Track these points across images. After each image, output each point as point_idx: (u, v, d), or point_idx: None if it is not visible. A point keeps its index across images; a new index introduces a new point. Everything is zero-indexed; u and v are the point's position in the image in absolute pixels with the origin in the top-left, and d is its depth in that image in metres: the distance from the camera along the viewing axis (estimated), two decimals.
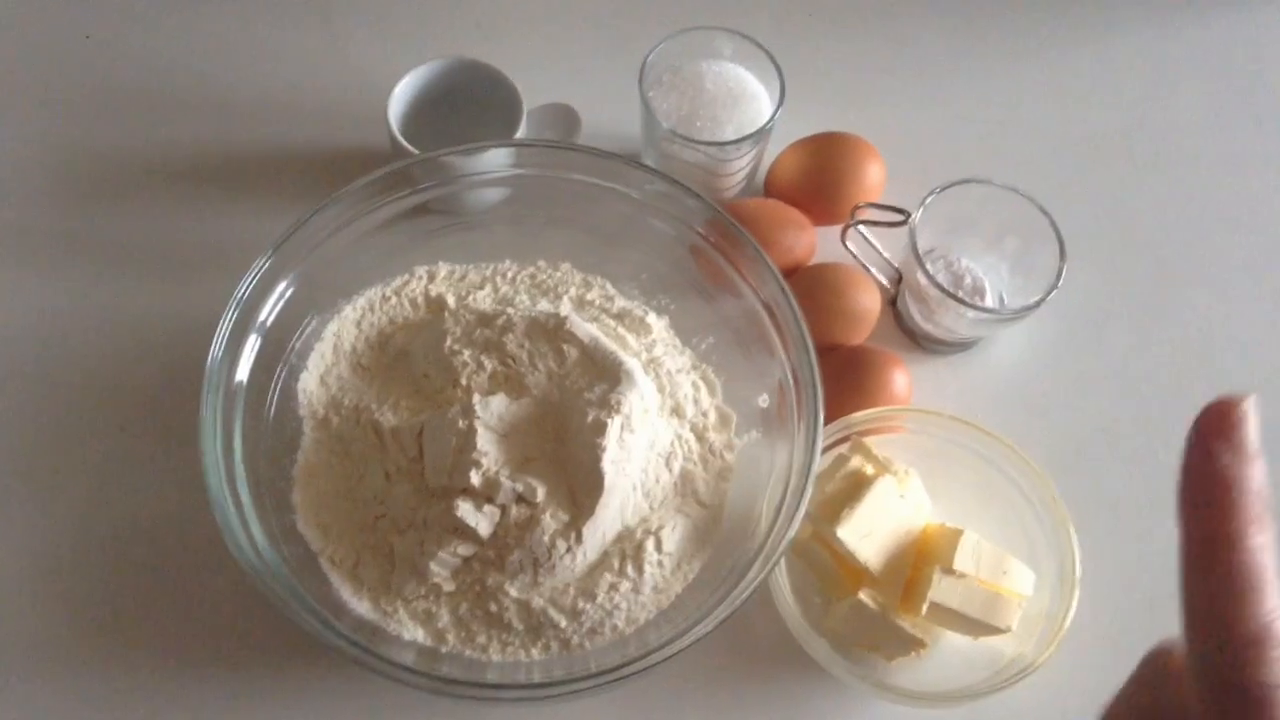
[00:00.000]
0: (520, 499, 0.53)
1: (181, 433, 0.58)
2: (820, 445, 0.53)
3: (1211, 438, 0.28)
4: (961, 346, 0.68)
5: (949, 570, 0.55)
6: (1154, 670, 0.31)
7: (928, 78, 0.78)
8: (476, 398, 0.55)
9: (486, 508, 0.53)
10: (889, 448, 0.60)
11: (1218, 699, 0.28)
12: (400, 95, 0.66)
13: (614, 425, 0.54)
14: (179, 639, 0.58)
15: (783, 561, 0.58)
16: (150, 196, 0.70)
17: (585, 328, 0.58)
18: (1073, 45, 0.80)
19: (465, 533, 0.53)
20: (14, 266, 0.67)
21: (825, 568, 0.58)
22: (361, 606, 0.54)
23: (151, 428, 0.62)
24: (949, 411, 0.61)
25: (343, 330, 0.61)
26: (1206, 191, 0.75)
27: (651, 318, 0.62)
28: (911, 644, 0.56)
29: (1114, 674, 0.32)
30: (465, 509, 0.52)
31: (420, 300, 0.63)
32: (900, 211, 0.64)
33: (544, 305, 0.61)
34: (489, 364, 0.58)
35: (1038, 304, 0.62)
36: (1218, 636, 0.27)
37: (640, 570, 0.54)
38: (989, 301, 0.66)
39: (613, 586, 0.54)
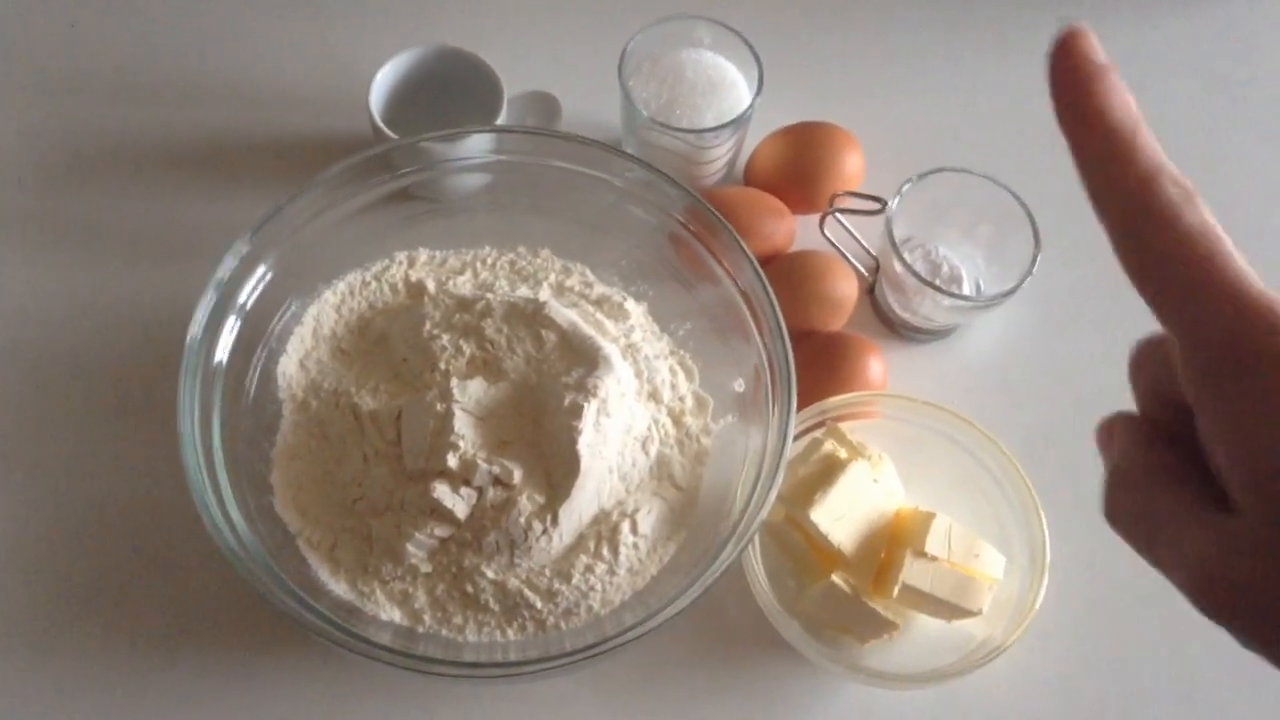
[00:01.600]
0: (497, 481, 0.54)
1: (160, 415, 0.58)
2: (793, 430, 0.53)
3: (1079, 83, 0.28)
4: (938, 334, 0.69)
5: (921, 553, 0.55)
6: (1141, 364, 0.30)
7: (907, 68, 0.79)
8: (454, 381, 0.56)
9: (463, 490, 0.53)
10: (863, 433, 0.61)
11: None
12: (382, 82, 0.66)
13: (590, 409, 0.54)
14: (157, 620, 0.58)
15: (757, 545, 0.58)
16: (132, 182, 0.70)
17: (564, 313, 0.59)
18: (1049, 36, 0.80)
19: (442, 515, 0.53)
20: None
21: (799, 551, 0.59)
22: (339, 588, 0.54)
23: (131, 410, 0.63)
24: (923, 397, 0.62)
25: (322, 314, 0.61)
26: (1202, 189, 0.75)
27: (630, 304, 0.63)
28: (884, 626, 0.56)
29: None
30: (442, 491, 0.53)
31: (400, 285, 0.63)
32: (878, 200, 0.65)
33: (523, 291, 0.62)
34: (467, 348, 0.58)
35: (1012, 291, 0.62)
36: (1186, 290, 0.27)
37: (616, 552, 0.55)
38: (965, 289, 0.67)
39: (588, 568, 0.55)
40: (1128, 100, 0.28)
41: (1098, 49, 0.28)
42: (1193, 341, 0.27)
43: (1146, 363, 0.30)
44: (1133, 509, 0.29)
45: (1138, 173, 0.28)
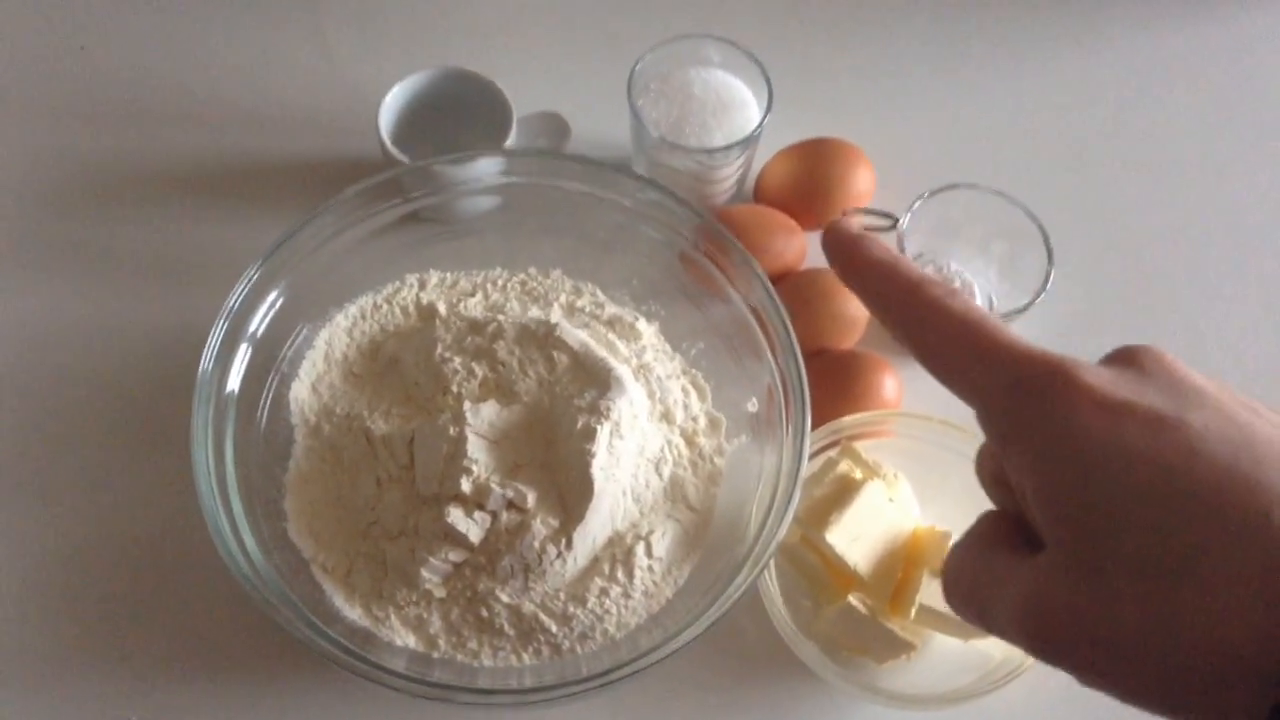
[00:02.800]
0: (511, 505, 0.53)
1: (174, 441, 0.58)
2: (808, 449, 0.53)
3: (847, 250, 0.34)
4: None
5: (938, 573, 0.55)
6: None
7: (916, 83, 0.78)
8: (467, 405, 0.56)
9: (477, 514, 0.53)
10: (878, 452, 0.60)
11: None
12: (391, 104, 0.66)
13: (603, 431, 0.54)
14: (171, 647, 0.58)
15: (772, 566, 0.58)
16: (143, 207, 0.70)
17: (575, 334, 0.59)
18: (1060, 50, 0.80)
19: (456, 539, 0.53)
20: (7, 275, 0.68)
21: (815, 572, 0.59)
22: (353, 613, 0.54)
23: (144, 436, 0.63)
24: (938, 416, 0.61)
25: (334, 338, 0.61)
26: (1194, 195, 0.75)
27: (641, 324, 0.63)
28: (901, 647, 0.56)
29: None
30: (456, 515, 0.53)
31: (411, 308, 0.63)
32: (889, 216, 0.65)
33: (534, 312, 0.62)
34: (480, 371, 0.58)
35: (1026, 308, 0.62)
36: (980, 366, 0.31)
37: (630, 575, 0.55)
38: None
39: (603, 591, 0.54)
40: (885, 246, 0.34)
41: (854, 225, 0.35)
42: (985, 405, 0.31)
43: (984, 458, 0.34)
44: (965, 579, 0.32)
45: (904, 284, 0.33)
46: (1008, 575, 0.30)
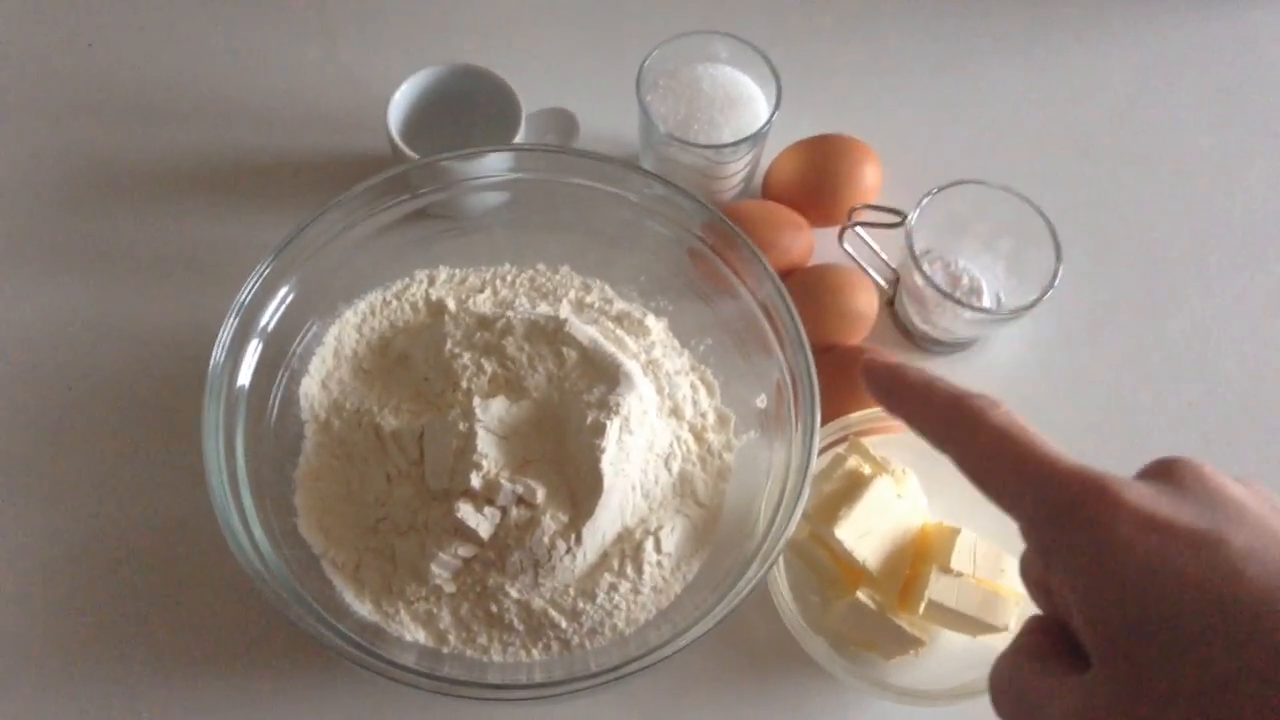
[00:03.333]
0: (520, 500, 0.53)
1: (185, 437, 0.58)
2: (817, 445, 0.53)
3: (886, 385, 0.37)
4: (958, 346, 0.68)
5: (946, 569, 0.55)
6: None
7: (924, 80, 0.78)
8: (477, 400, 0.56)
9: (487, 509, 0.53)
10: (886, 448, 0.60)
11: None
12: (400, 101, 0.67)
13: (613, 427, 0.54)
14: (182, 641, 0.58)
15: (781, 561, 0.58)
16: (151, 204, 0.71)
17: (584, 330, 0.59)
18: (1066, 47, 0.80)
19: (466, 534, 0.53)
20: (17, 273, 0.68)
21: (823, 567, 0.59)
22: (363, 609, 0.54)
23: (155, 432, 0.63)
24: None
25: (344, 334, 0.61)
26: (1201, 191, 0.75)
27: (650, 320, 0.63)
28: (909, 642, 0.56)
29: None
30: (466, 511, 0.53)
31: (421, 304, 0.63)
32: (897, 213, 0.65)
33: (543, 308, 0.62)
34: (489, 367, 0.58)
35: (1034, 304, 0.62)
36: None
37: (640, 570, 0.55)
38: (985, 302, 0.67)
39: (612, 587, 0.54)
40: (920, 370, 0.36)
41: (888, 357, 0.39)
42: (1029, 519, 0.31)
43: (1028, 567, 0.35)
44: (1012, 689, 0.32)
45: (943, 401, 0.34)
46: (1054, 692, 0.30)
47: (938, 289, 0.62)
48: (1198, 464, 0.31)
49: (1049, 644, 0.32)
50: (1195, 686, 0.27)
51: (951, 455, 0.34)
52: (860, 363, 0.37)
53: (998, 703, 0.33)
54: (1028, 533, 0.32)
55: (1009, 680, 0.33)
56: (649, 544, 0.55)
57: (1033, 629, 0.33)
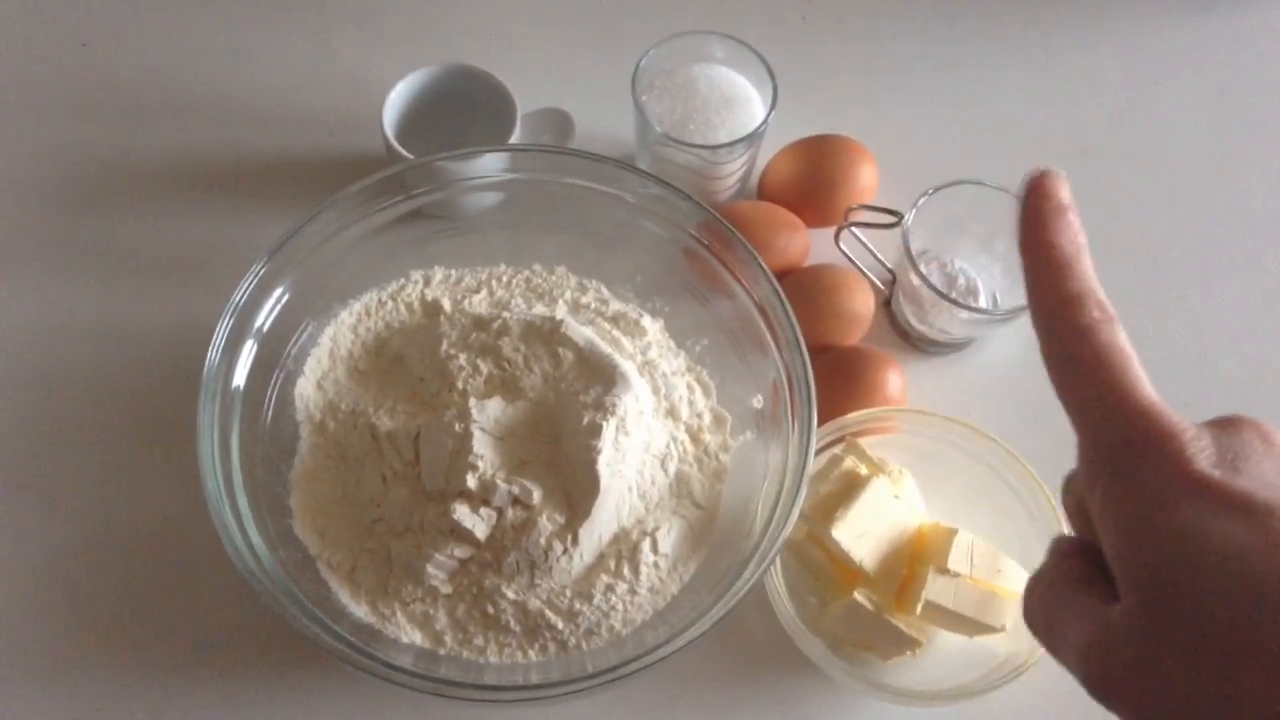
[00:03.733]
0: (516, 501, 0.53)
1: (180, 438, 0.58)
2: (814, 446, 0.53)
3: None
4: (955, 347, 0.68)
5: (943, 570, 0.55)
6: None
7: (920, 80, 0.78)
8: (472, 401, 0.56)
9: (483, 510, 0.53)
10: (883, 448, 0.60)
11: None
12: (395, 101, 0.66)
13: (609, 427, 0.54)
14: (178, 643, 0.58)
15: (778, 562, 0.58)
16: (146, 204, 0.70)
17: (580, 331, 0.59)
18: (1064, 47, 0.80)
19: (462, 535, 0.53)
20: (11, 273, 0.68)
21: (820, 568, 0.59)
22: (359, 610, 0.54)
23: (150, 433, 0.63)
24: (942, 412, 0.61)
25: (339, 335, 0.61)
26: (1197, 192, 0.75)
27: (646, 320, 0.63)
28: (906, 643, 0.56)
29: None
30: (462, 512, 0.53)
31: (416, 305, 0.63)
32: (893, 213, 0.65)
33: (539, 309, 0.62)
34: (485, 367, 0.58)
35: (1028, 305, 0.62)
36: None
37: (636, 571, 0.55)
38: (982, 302, 0.67)
39: (609, 588, 0.54)
40: (1076, 235, 0.33)
41: (1063, 190, 0.34)
42: (1091, 443, 0.31)
43: (1073, 485, 0.34)
44: (1041, 609, 0.33)
45: (1068, 294, 0.32)
46: (1078, 618, 0.31)
47: (934, 289, 0.62)
48: (1267, 427, 0.31)
49: (1082, 568, 0.32)
50: (1215, 646, 0.27)
51: (1044, 345, 0.33)
52: (1031, 179, 0.34)
53: (1031, 621, 0.34)
54: (1085, 454, 0.32)
55: (1040, 599, 0.33)
56: (646, 545, 0.55)
57: (1068, 551, 0.33)
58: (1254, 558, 0.27)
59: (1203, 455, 0.29)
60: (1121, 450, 0.30)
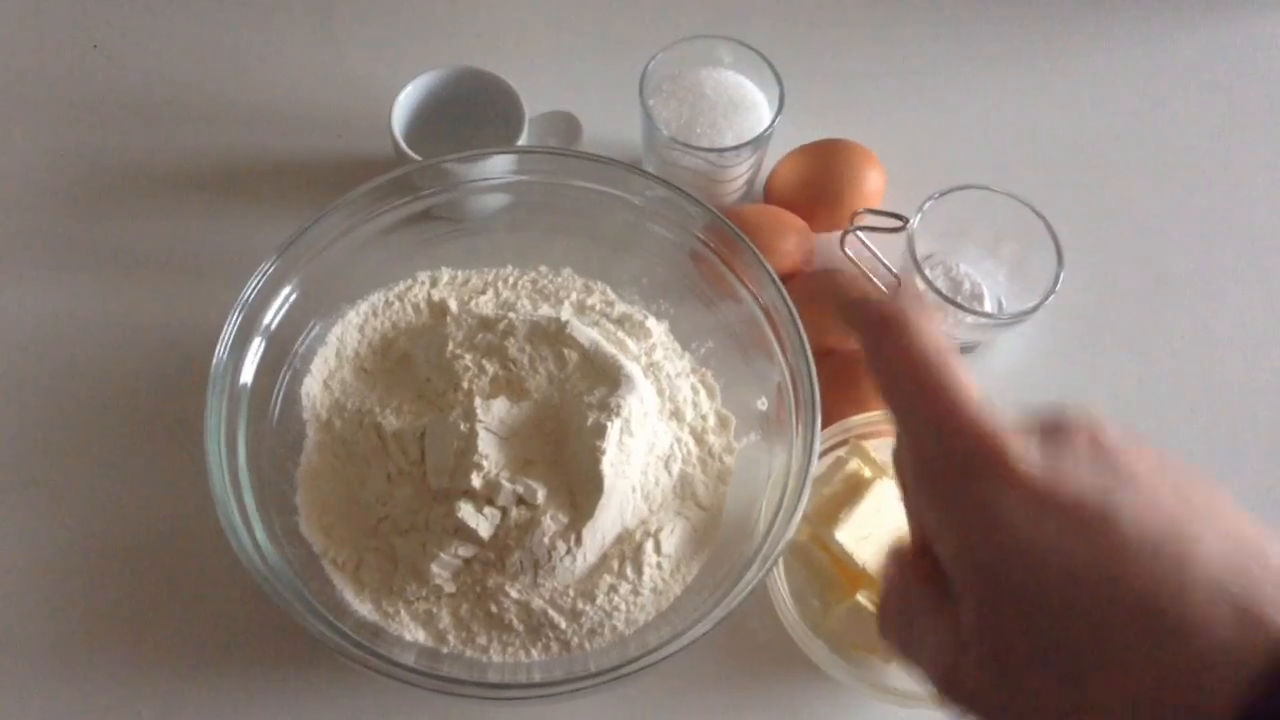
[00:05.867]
0: (521, 501, 0.54)
1: (186, 437, 0.59)
2: (818, 448, 0.53)
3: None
4: (960, 351, 0.68)
5: None
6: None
7: (927, 86, 0.79)
8: (478, 401, 0.56)
9: (487, 509, 0.53)
10: (887, 450, 0.60)
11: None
12: (404, 103, 0.67)
13: (614, 428, 0.54)
14: (183, 640, 0.58)
15: (781, 564, 0.58)
16: (157, 203, 0.71)
17: (586, 332, 0.59)
18: (1070, 53, 0.81)
19: (466, 534, 0.53)
20: (23, 272, 0.68)
21: (823, 570, 0.59)
22: (363, 608, 0.54)
23: (156, 432, 0.63)
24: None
25: (346, 334, 0.62)
26: (1203, 197, 0.75)
27: (651, 322, 0.63)
28: None
29: None
30: (466, 511, 0.53)
31: (423, 305, 0.63)
32: (899, 218, 0.65)
33: (545, 310, 0.62)
34: (490, 368, 0.58)
35: (1035, 309, 0.62)
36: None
37: (639, 572, 0.55)
38: (987, 307, 0.67)
39: (612, 588, 0.54)
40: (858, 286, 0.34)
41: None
42: (920, 457, 0.31)
43: (906, 480, 0.34)
44: (896, 619, 0.33)
45: (887, 311, 0.32)
46: (927, 620, 0.31)
47: (939, 294, 0.62)
48: (1095, 427, 0.30)
49: (929, 572, 0.32)
50: (1054, 667, 0.27)
51: (867, 359, 0.33)
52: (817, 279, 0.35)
53: (886, 632, 0.34)
54: (914, 467, 0.31)
55: (896, 609, 0.33)
56: (649, 545, 0.55)
57: (912, 559, 0.33)
58: (1086, 569, 0.27)
59: (1036, 468, 0.29)
60: (953, 465, 0.30)
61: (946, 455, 0.30)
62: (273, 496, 0.55)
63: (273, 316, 0.57)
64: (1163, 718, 0.26)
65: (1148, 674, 0.26)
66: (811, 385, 0.55)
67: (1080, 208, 0.73)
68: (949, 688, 0.30)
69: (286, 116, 0.74)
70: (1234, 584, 0.27)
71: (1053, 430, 0.30)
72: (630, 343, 0.61)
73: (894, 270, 0.67)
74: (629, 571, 0.55)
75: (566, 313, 0.62)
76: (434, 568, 0.53)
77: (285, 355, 0.59)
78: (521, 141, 0.67)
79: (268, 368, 0.57)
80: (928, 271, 0.64)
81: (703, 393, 0.62)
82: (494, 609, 0.54)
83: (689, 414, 0.60)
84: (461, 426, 0.55)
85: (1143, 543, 0.27)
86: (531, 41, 0.78)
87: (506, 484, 0.53)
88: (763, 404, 0.60)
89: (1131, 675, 0.26)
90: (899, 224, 0.65)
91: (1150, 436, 0.31)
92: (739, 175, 0.69)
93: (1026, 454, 0.29)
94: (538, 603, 0.54)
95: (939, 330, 0.32)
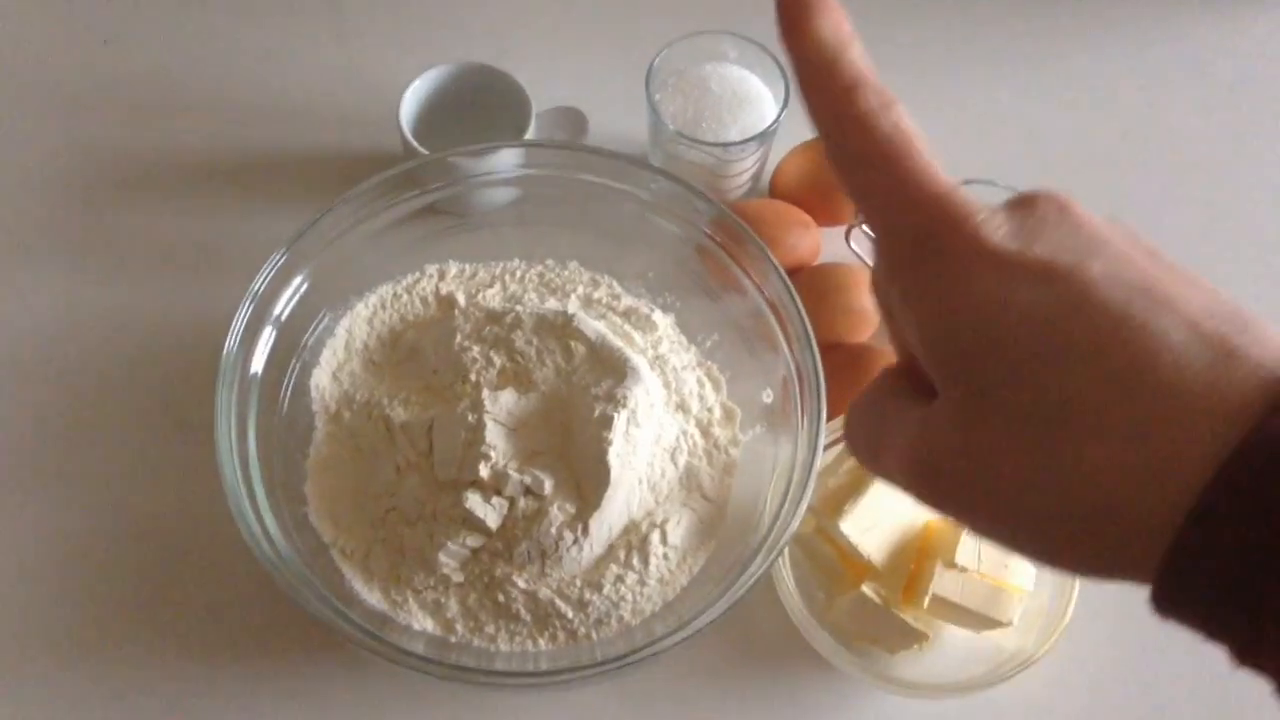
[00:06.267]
0: (528, 491, 0.54)
1: (197, 428, 0.59)
2: (823, 440, 0.54)
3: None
4: None
5: (951, 564, 0.55)
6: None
7: (931, 81, 0.79)
8: (486, 392, 0.56)
9: (495, 500, 0.54)
10: None
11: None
12: (411, 98, 0.67)
13: (620, 419, 0.55)
14: (192, 629, 0.59)
15: (786, 556, 0.59)
16: (168, 197, 0.71)
17: (592, 325, 0.59)
18: (1076, 50, 0.81)
19: (474, 524, 0.54)
20: (34, 265, 0.69)
21: (828, 562, 0.59)
22: (372, 597, 0.55)
23: (167, 423, 0.64)
24: None
25: (355, 327, 0.62)
26: (1207, 196, 0.76)
27: (657, 315, 0.63)
28: (913, 637, 0.56)
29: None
30: (474, 501, 0.53)
31: (431, 298, 0.64)
32: None
33: (552, 303, 0.62)
34: (498, 360, 0.59)
35: None
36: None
37: (646, 562, 0.55)
38: None
39: (619, 578, 0.55)
40: (839, 22, 0.31)
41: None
42: (887, 236, 0.29)
43: (878, 285, 0.32)
44: (864, 426, 0.32)
45: (841, 83, 0.30)
46: (899, 421, 0.30)
47: None
48: (1064, 198, 0.29)
49: (901, 380, 0.31)
50: (1030, 413, 0.26)
51: (827, 145, 0.31)
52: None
53: (849, 436, 0.32)
54: (882, 249, 0.30)
55: (860, 416, 0.32)
56: (655, 536, 0.56)
57: (887, 369, 0.32)
58: (1060, 320, 0.26)
59: (999, 231, 0.28)
60: (917, 239, 0.28)
61: (916, 228, 0.28)
62: (282, 486, 0.56)
63: (283, 307, 0.58)
64: (1141, 470, 0.25)
65: (1120, 427, 0.25)
66: (817, 378, 0.55)
67: (1086, 205, 0.73)
68: (923, 480, 0.29)
69: (295, 111, 0.75)
70: (1209, 323, 0.26)
71: (1020, 203, 0.29)
72: (636, 336, 0.62)
73: None
74: (635, 562, 0.55)
75: (573, 306, 0.62)
76: (442, 557, 0.54)
77: (295, 347, 0.59)
78: (528, 136, 0.67)
79: (277, 359, 0.58)
80: None
81: (708, 385, 0.62)
82: (501, 599, 0.54)
83: (695, 406, 0.61)
84: (469, 418, 0.55)
85: (1114, 294, 0.26)
86: (538, 37, 0.79)
87: (514, 474, 0.54)
88: (768, 397, 0.61)
89: (1106, 429, 0.25)
90: None
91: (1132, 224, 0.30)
92: (744, 170, 0.69)
93: (994, 221, 0.28)
94: (545, 592, 0.54)
95: (898, 107, 0.30)
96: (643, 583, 0.55)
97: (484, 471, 0.53)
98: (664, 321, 0.63)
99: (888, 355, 0.64)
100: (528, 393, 0.58)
